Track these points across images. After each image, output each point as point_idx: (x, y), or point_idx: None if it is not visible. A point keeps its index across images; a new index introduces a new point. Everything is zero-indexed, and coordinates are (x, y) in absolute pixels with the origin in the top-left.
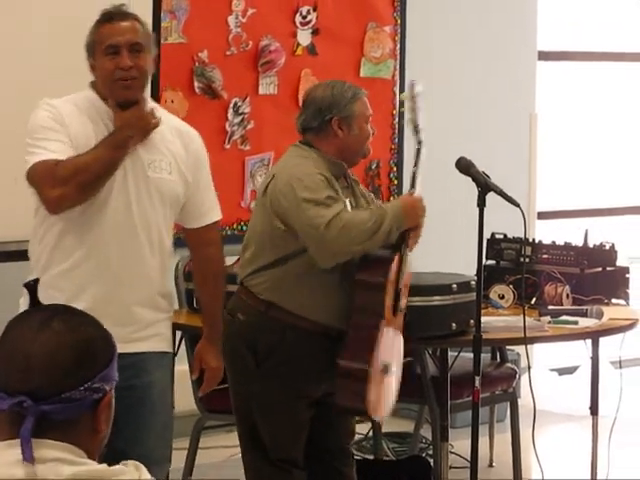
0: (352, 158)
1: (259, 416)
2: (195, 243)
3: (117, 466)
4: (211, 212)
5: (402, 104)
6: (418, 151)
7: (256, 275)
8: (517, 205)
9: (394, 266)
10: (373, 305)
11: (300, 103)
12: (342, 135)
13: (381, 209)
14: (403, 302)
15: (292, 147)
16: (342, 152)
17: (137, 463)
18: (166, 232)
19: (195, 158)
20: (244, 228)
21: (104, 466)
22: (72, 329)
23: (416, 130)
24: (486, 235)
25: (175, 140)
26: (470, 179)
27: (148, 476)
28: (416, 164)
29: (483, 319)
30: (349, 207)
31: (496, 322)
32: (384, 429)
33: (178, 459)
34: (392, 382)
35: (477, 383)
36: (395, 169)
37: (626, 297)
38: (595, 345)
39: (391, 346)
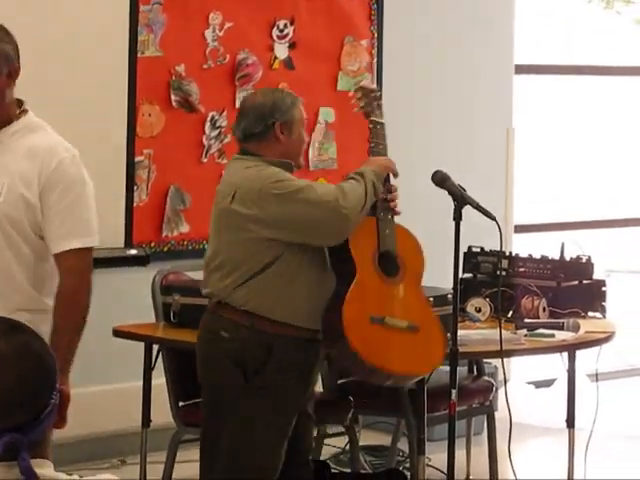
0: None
1: (243, 433)
2: (58, 269)
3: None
4: (66, 239)
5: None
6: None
7: (237, 290)
8: (493, 218)
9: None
10: (342, 266)
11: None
12: (284, 140)
13: (357, 173)
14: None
15: (236, 161)
16: (284, 157)
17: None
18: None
19: (47, 181)
20: None
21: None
22: (21, 348)
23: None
24: (463, 248)
25: (24, 161)
26: (446, 192)
27: None
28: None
29: (460, 332)
30: None
31: (473, 335)
32: (361, 442)
33: (155, 473)
34: (409, 337)
35: (454, 396)
36: None
37: (602, 310)
38: (571, 358)
39: (390, 301)
